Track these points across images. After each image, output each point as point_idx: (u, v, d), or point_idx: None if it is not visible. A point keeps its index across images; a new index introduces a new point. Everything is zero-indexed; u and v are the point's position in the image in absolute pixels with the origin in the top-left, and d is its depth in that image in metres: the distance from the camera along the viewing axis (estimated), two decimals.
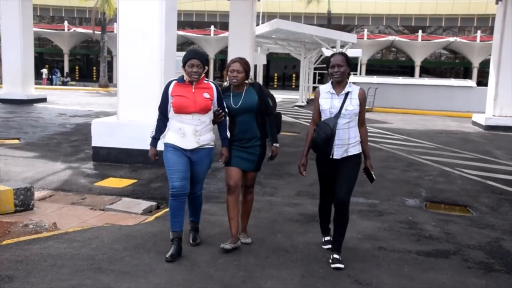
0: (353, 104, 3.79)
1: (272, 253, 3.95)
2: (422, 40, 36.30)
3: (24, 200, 5.34)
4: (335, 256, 3.73)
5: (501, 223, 5.17)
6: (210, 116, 3.94)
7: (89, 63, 44.04)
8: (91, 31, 34.51)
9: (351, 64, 3.89)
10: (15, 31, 17.12)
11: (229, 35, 17.03)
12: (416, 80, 25.85)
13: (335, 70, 3.77)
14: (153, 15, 7.74)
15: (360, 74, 32.40)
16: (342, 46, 20.37)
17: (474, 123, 16.17)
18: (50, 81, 35.89)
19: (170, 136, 3.89)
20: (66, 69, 39.49)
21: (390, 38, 37.15)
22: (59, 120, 13.59)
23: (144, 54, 7.82)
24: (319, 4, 33.20)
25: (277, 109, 4.38)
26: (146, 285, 3.16)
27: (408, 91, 22.52)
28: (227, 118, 4.08)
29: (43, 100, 19.24)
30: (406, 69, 39.11)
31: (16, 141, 9.77)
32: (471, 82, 24.47)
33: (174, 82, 3.92)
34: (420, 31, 36.61)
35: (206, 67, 3.90)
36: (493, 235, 4.72)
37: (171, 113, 3.88)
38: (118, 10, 7.98)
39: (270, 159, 4.15)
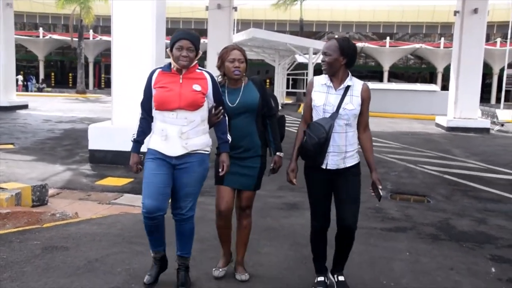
0: (353, 103, 3.04)
1: (264, 230, 4.75)
2: (390, 46, 37.93)
3: (40, 196, 6.02)
4: (340, 279, 3.29)
5: (452, 208, 6.14)
6: (202, 114, 3.12)
7: (64, 69, 44.03)
8: (66, 38, 34.76)
9: (349, 53, 3.04)
10: None
11: (207, 43, 17.84)
12: (385, 85, 27.28)
13: (322, 59, 3.09)
14: (145, 26, 8.38)
15: None
16: (314, 53, 21.48)
17: (437, 125, 17.43)
18: (26, 88, 35.86)
19: (153, 140, 3.15)
20: (41, 76, 39.49)
21: (360, 44, 38.61)
22: (46, 126, 14.09)
23: (137, 63, 8.43)
24: (291, 12, 34.34)
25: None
26: (169, 252, 3.67)
27: (377, 95, 23.65)
28: (226, 117, 3.27)
29: (25, 106, 19.56)
30: (375, 74, 40.69)
31: (11, 146, 10.29)
32: (435, 87, 26.02)
33: (159, 70, 3.16)
34: (388, 37, 38.25)
35: (200, 52, 3.15)
36: (444, 216, 5.69)
37: (154, 111, 3.13)
38: (112, 20, 8.57)
39: (272, 172, 3.40)
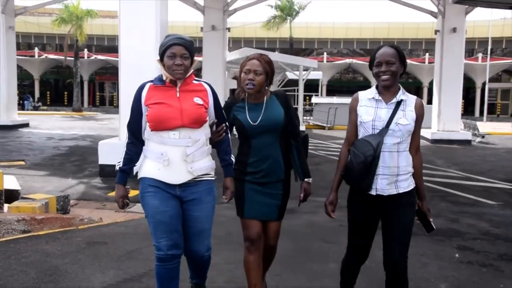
0: (407, 118, 2.65)
1: None
2: None
3: (63, 206, 6.72)
4: None
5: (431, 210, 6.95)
6: (205, 132, 2.76)
7: (58, 88, 44.73)
8: (61, 57, 35.53)
9: (405, 62, 2.73)
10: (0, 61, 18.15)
11: (202, 62, 18.70)
12: None
13: (383, 70, 2.65)
14: (149, 45, 8.91)
15: (321, 94, 34.69)
16: (305, 70, 22.45)
17: (422, 138, 18.35)
18: (22, 106, 36.44)
19: (148, 167, 2.70)
20: (37, 94, 40.15)
21: (347, 60, 39.85)
22: (51, 144, 14.76)
23: (142, 81, 9.25)
24: (281, 29, 35.49)
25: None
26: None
27: None
28: (229, 135, 2.97)
29: (26, 125, 20.21)
30: (363, 89, 41.64)
31: (23, 163, 10.94)
32: None
33: (149, 84, 2.74)
34: None
35: (195, 60, 2.76)
36: None
37: (147, 132, 2.71)
38: (119, 41, 9.25)
39: (303, 201, 3.04)
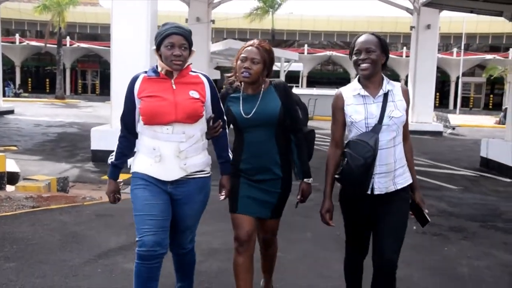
0: (399, 109, 2.52)
1: None
2: None
3: (63, 186, 7.29)
4: None
5: None
6: (201, 127, 2.63)
7: (39, 75, 44.46)
8: (43, 44, 35.42)
9: (387, 51, 2.56)
10: None
11: None
12: None
13: (362, 57, 2.49)
14: (140, 34, 9.38)
15: (301, 86, 35.48)
16: (286, 61, 23.13)
17: None
18: (3, 93, 36.23)
19: (140, 162, 2.61)
20: (18, 81, 39.91)
21: (328, 53, 40.65)
22: (39, 130, 15.14)
23: (133, 68, 9.59)
24: (263, 21, 36.04)
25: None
26: None
27: None
28: (227, 130, 2.77)
29: (11, 112, 20.46)
30: (343, 81, 42.65)
31: (15, 148, 11.36)
32: None
33: (143, 75, 2.59)
34: None
35: (193, 50, 2.60)
36: None
37: (140, 126, 2.59)
38: (112, 29, 9.66)
39: (301, 202, 2.85)
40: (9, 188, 7.01)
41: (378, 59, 2.51)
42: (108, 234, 4.55)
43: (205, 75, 2.68)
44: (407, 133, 2.66)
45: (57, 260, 3.88)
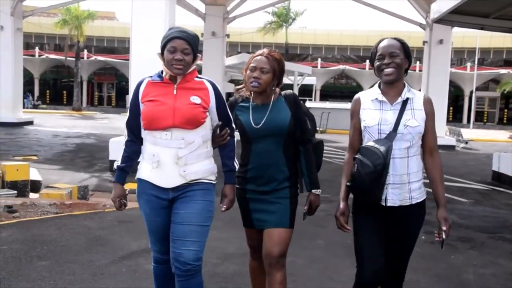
0: (417, 118, 2.41)
1: None
2: (369, 69, 40.30)
3: (83, 194, 7.59)
4: None
5: None
6: (203, 134, 2.55)
7: (57, 87, 45.44)
8: (62, 57, 36.32)
9: (410, 56, 2.47)
10: (7, 61, 18.68)
11: (202, 67, 19.60)
12: None
13: (386, 62, 2.40)
14: (158, 44, 9.93)
15: (314, 99, 35.73)
16: (300, 75, 23.44)
17: None
18: (22, 105, 37.16)
19: (143, 168, 2.59)
20: (36, 93, 40.87)
21: (341, 67, 40.92)
22: (58, 141, 15.58)
23: None
24: (277, 35, 36.52)
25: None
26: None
27: None
28: (236, 139, 2.70)
29: (31, 123, 20.96)
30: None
31: (35, 158, 11.76)
32: None
33: (147, 80, 2.59)
34: (367, 60, 40.59)
35: (199, 55, 2.58)
36: None
37: (143, 131, 2.57)
38: (131, 47, 10.05)
39: (308, 214, 2.78)
40: (32, 195, 7.33)
41: (402, 64, 2.42)
42: (129, 238, 4.80)
43: (210, 81, 2.62)
44: (432, 147, 2.49)
45: (84, 260, 4.16)
